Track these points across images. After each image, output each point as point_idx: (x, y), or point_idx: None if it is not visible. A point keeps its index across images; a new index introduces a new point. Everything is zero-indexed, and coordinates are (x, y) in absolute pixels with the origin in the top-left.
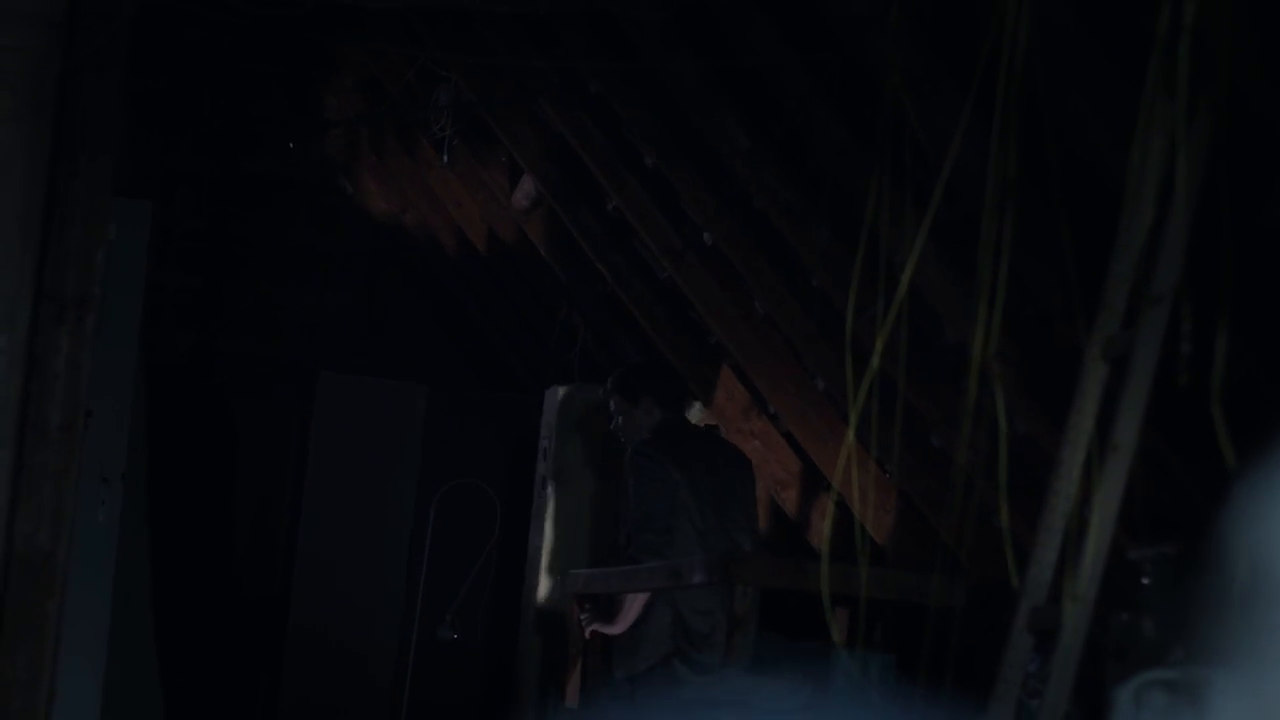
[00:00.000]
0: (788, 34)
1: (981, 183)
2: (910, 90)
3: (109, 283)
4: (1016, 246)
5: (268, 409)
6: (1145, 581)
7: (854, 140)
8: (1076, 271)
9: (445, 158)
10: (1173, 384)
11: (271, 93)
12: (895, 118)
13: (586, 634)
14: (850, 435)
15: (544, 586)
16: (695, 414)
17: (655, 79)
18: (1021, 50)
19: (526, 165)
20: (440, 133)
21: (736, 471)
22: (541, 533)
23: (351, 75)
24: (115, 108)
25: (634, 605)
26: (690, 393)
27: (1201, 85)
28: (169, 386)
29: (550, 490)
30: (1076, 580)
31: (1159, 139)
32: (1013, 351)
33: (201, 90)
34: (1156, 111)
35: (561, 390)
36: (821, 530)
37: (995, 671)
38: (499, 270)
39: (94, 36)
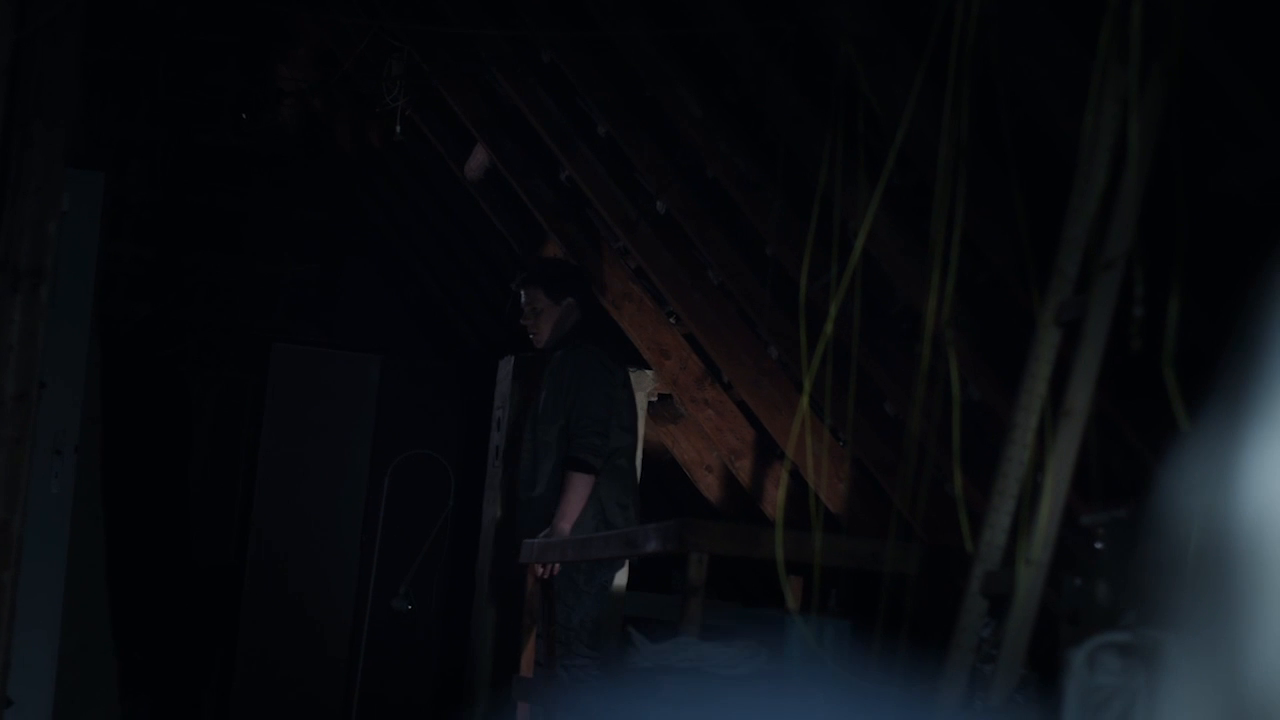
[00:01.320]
0: (742, 2)
1: (935, 149)
2: (863, 57)
3: (62, 254)
4: (970, 212)
5: (222, 379)
6: (1098, 546)
7: (808, 108)
8: (1030, 237)
9: (398, 129)
10: (1125, 349)
11: (225, 63)
12: (848, 85)
13: (544, 573)
14: (804, 402)
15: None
16: (649, 383)
17: (609, 47)
18: (974, 16)
19: (479, 135)
20: (393, 104)
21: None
22: (495, 502)
23: (305, 46)
24: (70, 78)
25: (577, 506)
26: (642, 361)
27: (1154, 50)
28: (122, 358)
29: (503, 460)
30: (1030, 545)
31: (1112, 104)
32: (966, 317)
33: (155, 61)
34: (1109, 77)
35: (514, 360)
36: (775, 499)
37: (950, 636)
38: (453, 240)
39: (49, 5)
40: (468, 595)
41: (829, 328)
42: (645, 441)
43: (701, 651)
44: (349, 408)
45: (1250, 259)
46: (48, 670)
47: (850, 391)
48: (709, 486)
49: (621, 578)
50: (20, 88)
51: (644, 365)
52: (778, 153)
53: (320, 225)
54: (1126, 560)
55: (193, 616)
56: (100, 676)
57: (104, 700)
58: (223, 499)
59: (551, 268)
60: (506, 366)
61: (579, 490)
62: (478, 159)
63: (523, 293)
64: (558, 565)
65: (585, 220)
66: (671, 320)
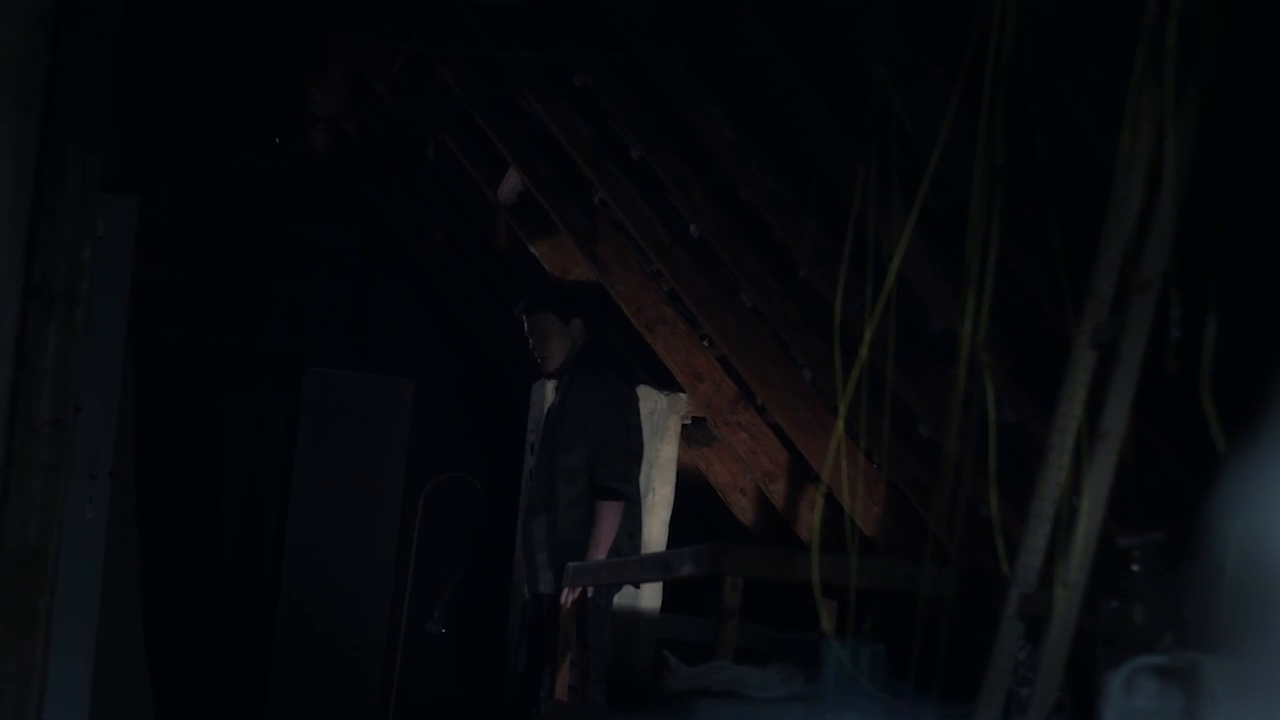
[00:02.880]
0: (774, 24)
1: (969, 171)
2: (897, 79)
3: (96, 279)
4: (1004, 234)
5: (255, 404)
6: (1135, 568)
7: (841, 130)
8: (1065, 259)
9: (430, 152)
10: (1161, 370)
11: (257, 87)
12: (882, 107)
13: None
14: (840, 426)
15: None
16: (682, 406)
17: (641, 70)
18: (1009, 38)
19: (511, 159)
20: (426, 127)
21: None
22: None
23: (338, 69)
24: (103, 103)
25: (610, 534)
26: (670, 383)
27: (1189, 71)
28: (156, 382)
29: None
30: (1067, 567)
31: (1147, 125)
32: (1001, 340)
33: (187, 85)
34: (1144, 98)
35: (549, 384)
36: (809, 522)
37: (986, 660)
38: (485, 263)
39: (81, 32)
40: (502, 618)
41: (864, 350)
42: (679, 464)
43: (737, 674)
44: (382, 431)
45: None
46: (83, 695)
47: (885, 414)
48: (743, 510)
49: (655, 600)
50: (54, 113)
51: (675, 388)
52: (811, 175)
53: (352, 248)
54: (1163, 583)
55: (226, 640)
56: (135, 701)
57: None
58: (256, 523)
59: (556, 289)
60: (539, 390)
61: (611, 519)
62: (510, 182)
63: (529, 319)
64: (585, 591)
65: (616, 242)
66: (705, 343)
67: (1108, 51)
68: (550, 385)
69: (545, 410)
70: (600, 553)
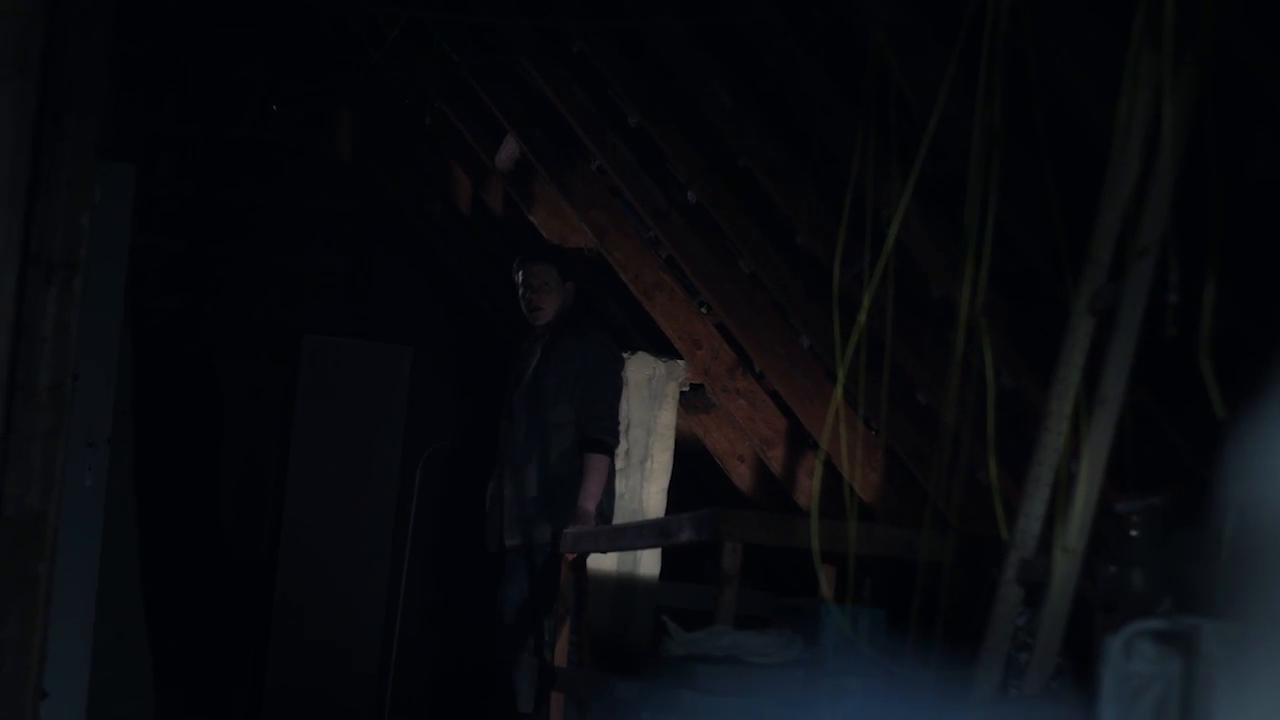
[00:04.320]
0: None
1: (967, 138)
2: (895, 47)
3: (94, 246)
4: (1002, 201)
5: (253, 372)
6: (1133, 534)
7: (839, 97)
8: (1063, 225)
9: (427, 120)
10: (1160, 336)
11: (254, 56)
12: (880, 74)
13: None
14: (838, 392)
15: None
16: (680, 373)
17: (639, 37)
18: (1006, 4)
19: (509, 126)
20: (424, 95)
21: None
22: None
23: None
24: (101, 71)
25: (599, 485)
26: (669, 350)
27: (1187, 38)
28: (154, 350)
29: None
30: (1066, 533)
31: (1145, 92)
32: (999, 306)
33: (184, 54)
34: (1142, 64)
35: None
36: (808, 489)
37: (985, 625)
38: (483, 230)
39: None
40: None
41: (862, 317)
42: (677, 431)
43: (736, 640)
44: (380, 399)
45: None
46: (82, 662)
47: (884, 381)
48: (741, 476)
49: (654, 568)
50: (52, 80)
51: (674, 354)
52: (810, 142)
53: (349, 216)
54: (1161, 548)
55: (225, 608)
56: (134, 669)
57: (138, 693)
58: (254, 491)
59: (560, 250)
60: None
61: (602, 470)
62: (508, 149)
63: (530, 268)
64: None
65: (614, 208)
66: (703, 310)
67: (1106, 17)
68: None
69: (527, 368)
70: (591, 504)
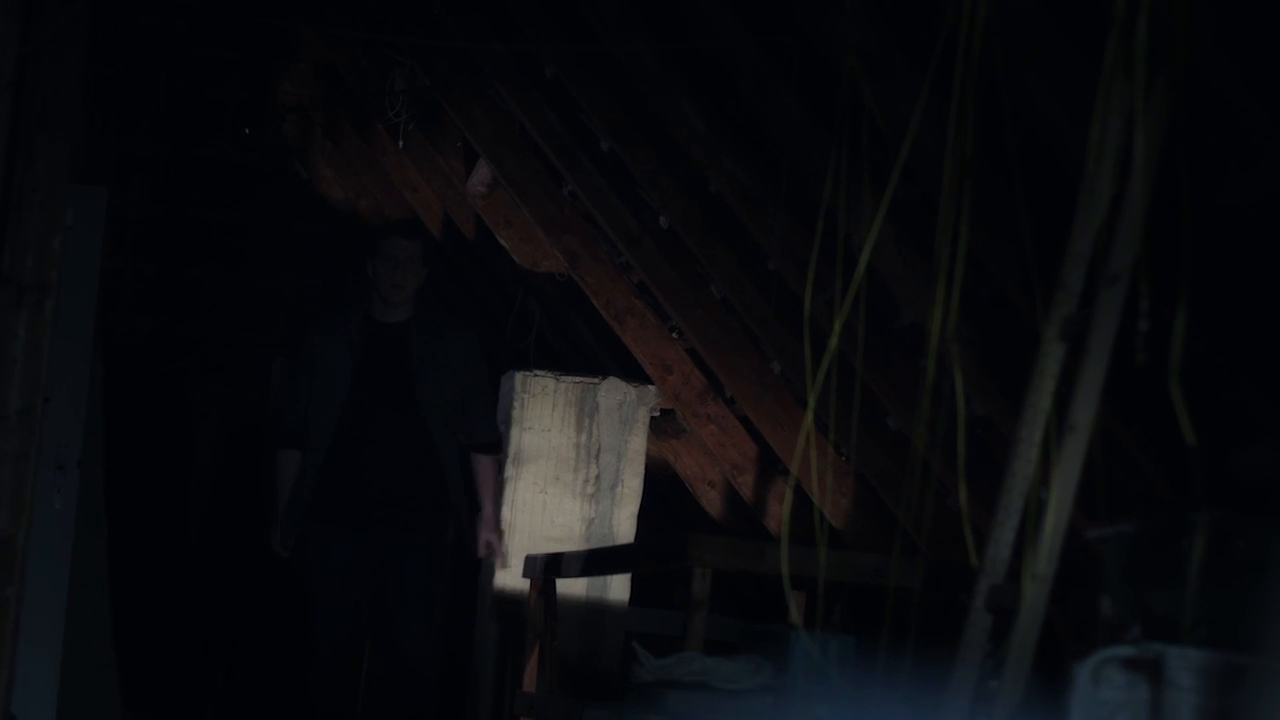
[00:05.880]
0: (745, 17)
1: (939, 163)
2: (867, 72)
3: (65, 269)
4: (974, 227)
5: (224, 395)
6: (1103, 560)
7: (811, 123)
8: (1034, 251)
9: (401, 143)
10: (1130, 363)
11: (227, 79)
12: (853, 100)
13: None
14: (809, 418)
15: (501, 572)
16: (651, 398)
17: (612, 62)
18: (979, 31)
19: (482, 150)
20: (395, 118)
21: None
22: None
23: (307, 60)
24: (73, 93)
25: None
26: (644, 375)
27: (1159, 64)
28: (124, 372)
29: (507, 475)
30: (1035, 559)
31: (1117, 118)
32: (970, 332)
33: (157, 76)
34: (1114, 91)
35: (518, 376)
36: (778, 515)
37: (954, 651)
38: (455, 256)
39: (51, 21)
40: (471, 610)
41: (833, 342)
42: (648, 456)
43: (706, 666)
44: None
45: (1254, 273)
46: (50, 686)
47: (854, 406)
48: (711, 502)
49: (623, 593)
50: (24, 102)
51: (645, 380)
52: (781, 167)
53: (322, 239)
54: (1131, 575)
55: (195, 633)
56: (102, 693)
57: (107, 716)
58: (224, 516)
59: (425, 231)
60: (509, 382)
61: (496, 472)
62: (480, 174)
63: (411, 244)
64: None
65: (587, 234)
66: (674, 335)
67: (1078, 44)
68: (515, 378)
69: (380, 357)
70: (497, 508)
